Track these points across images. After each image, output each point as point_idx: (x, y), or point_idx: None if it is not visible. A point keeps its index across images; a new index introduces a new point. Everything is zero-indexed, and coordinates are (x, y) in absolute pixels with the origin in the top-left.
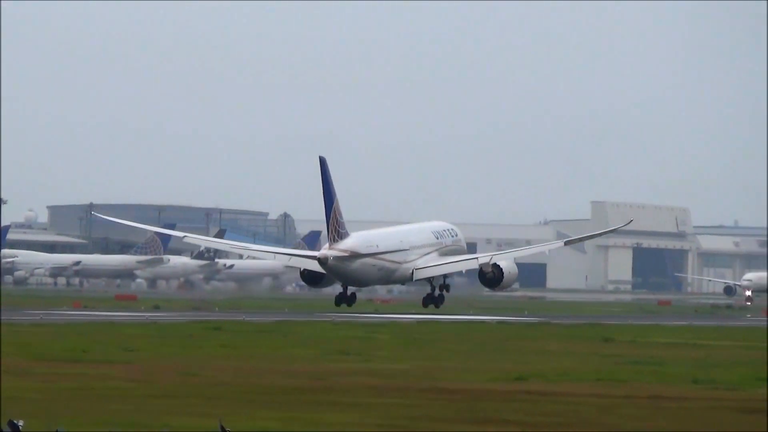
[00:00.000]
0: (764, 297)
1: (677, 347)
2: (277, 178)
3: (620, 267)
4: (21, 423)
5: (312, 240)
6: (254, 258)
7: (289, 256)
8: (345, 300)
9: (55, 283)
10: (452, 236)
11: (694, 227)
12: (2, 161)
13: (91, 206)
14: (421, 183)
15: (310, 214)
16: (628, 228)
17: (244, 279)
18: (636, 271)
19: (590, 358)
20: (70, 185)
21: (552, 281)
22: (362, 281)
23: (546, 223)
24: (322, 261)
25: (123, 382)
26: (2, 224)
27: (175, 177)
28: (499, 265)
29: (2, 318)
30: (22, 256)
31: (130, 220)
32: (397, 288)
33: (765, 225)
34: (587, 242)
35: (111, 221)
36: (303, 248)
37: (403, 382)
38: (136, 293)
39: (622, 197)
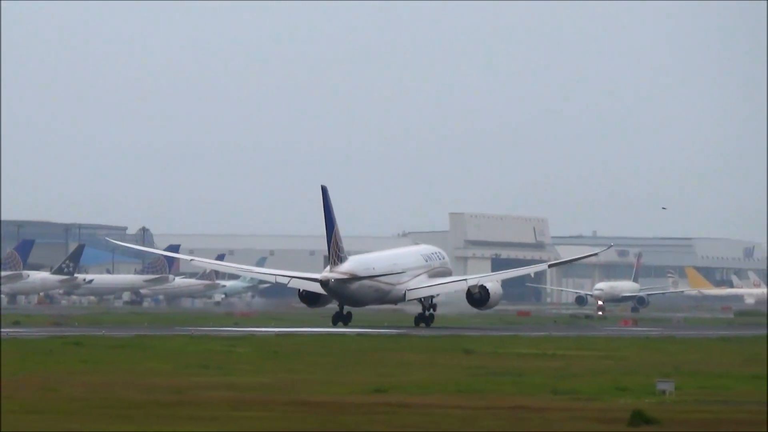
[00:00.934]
0: (621, 306)
1: (537, 358)
2: (136, 192)
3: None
4: None
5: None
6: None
7: (289, 278)
8: (341, 319)
9: None
10: (440, 259)
11: (553, 237)
12: None
13: None
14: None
15: (169, 228)
16: (485, 239)
17: (104, 293)
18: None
19: (451, 369)
20: None
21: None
22: (360, 301)
23: (404, 235)
24: (324, 283)
25: None
26: None
27: (33, 191)
28: (485, 287)
29: None
30: None
31: None
32: (256, 301)
33: (623, 235)
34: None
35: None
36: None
37: (263, 395)
38: None
39: (480, 208)
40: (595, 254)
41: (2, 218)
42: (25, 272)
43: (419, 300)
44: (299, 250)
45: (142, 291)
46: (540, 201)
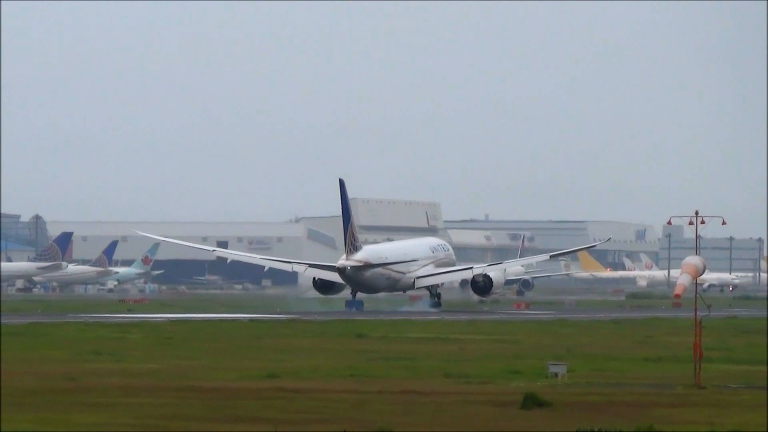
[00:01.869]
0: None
1: (429, 342)
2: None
3: None
4: None
5: (63, 241)
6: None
7: (305, 266)
8: (354, 305)
9: None
10: (445, 251)
11: (445, 222)
12: None
13: None
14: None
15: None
16: (378, 223)
17: None
18: None
19: (343, 354)
20: None
21: (304, 278)
22: (373, 288)
23: (297, 220)
24: (340, 270)
25: None
26: None
27: None
28: (489, 276)
29: None
30: None
31: None
32: (149, 287)
33: (516, 219)
34: (338, 238)
35: None
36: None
37: (155, 381)
38: None
39: (373, 193)
40: (594, 246)
41: None
42: None
43: (427, 287)
44: (192, 237)
45: (36, 278)
46: (432, 186)
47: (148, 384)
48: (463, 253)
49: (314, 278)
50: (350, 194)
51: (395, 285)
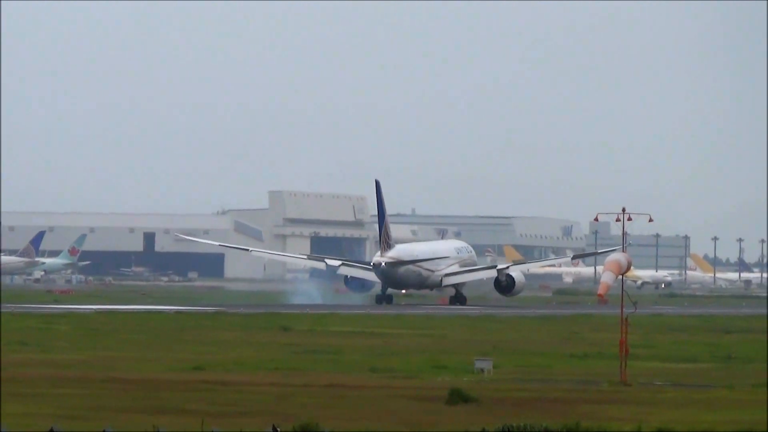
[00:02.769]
0: None
1: (355, 336)
2: None
3: None
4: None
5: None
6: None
7: (339, 263)
8: (384, 299)
9: None
10: (468, 252)
11: (372, 215)
12: None
13: None
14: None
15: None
16: (305, 217)
17: None
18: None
19: (268, 347)
20: None
21: (230, 271)
22: (404, 284)
23: (224, 212)
24: (376, 266)
25: None
26: None
27: None
28: (511, 275)
29: None
30: None
31: None
32: (76, 278)
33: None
34: (264, 231)
35: None
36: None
37: (80, 372)
38: None
39: (300, 186)
40: (613, 250)
41: None
42: None
43: (453, 285)
44: (119, 228)
45: None
46: (359, 179)
47: (73, 375)
48: None
49: (346, 276)
50: (277, 187)
51: (424, 282)
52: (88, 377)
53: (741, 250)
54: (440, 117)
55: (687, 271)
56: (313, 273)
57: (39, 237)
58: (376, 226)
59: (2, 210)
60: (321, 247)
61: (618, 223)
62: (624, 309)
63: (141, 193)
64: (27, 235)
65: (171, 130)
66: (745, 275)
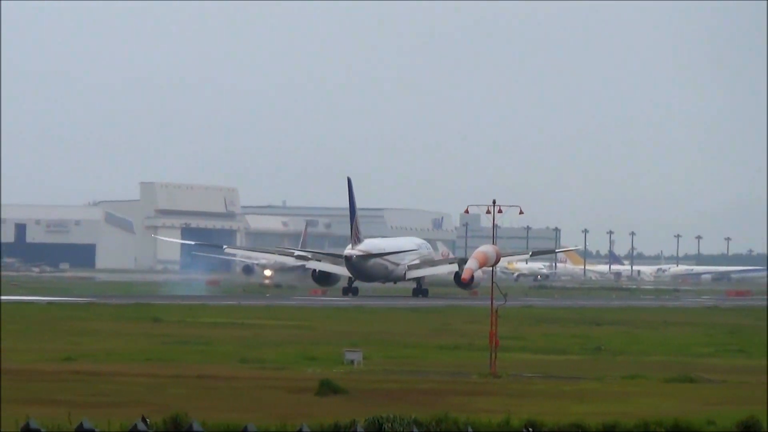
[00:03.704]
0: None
1: (225, 327)
2: None
3: (169, 247)
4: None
5: None
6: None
7: (310, 254)
8: (350, 291)
9: None
10: (427, 249)
11: (243, 207)
12: None
13: None
14: None
15: None
16: (176, 208)
17: None
18: (185, 251)
19: (139, 338)
20: None
21: (101, 262)
22: (372, 276)
23: (95, 204)
24: (347, 258)
25: None
26: None
27: None
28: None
29: None
30: None
31: None
32: None
33: (313, 205)
34: (136, 222)
35: None
36: None
37: None
38: None
39: (171, 177)
40: (577, 248)
41: None
42: None
43: (415, 279)
44: None
45: None
46: (230, 171)
47: None
48: (261, 238)
49: (313, 270)
50: (148, 179)
51: (390, 275)
52: None
53: (611, 243)
54: (311, 108)
55: (557, 264)
56: (184, 264)
57: None
58: (247, 218)
59: None
60: (192, 237)
61: (488, 215)
62: (494, 301)
63: (11, 184)
64: None
65: (41, 120)
66: (615, 267)
